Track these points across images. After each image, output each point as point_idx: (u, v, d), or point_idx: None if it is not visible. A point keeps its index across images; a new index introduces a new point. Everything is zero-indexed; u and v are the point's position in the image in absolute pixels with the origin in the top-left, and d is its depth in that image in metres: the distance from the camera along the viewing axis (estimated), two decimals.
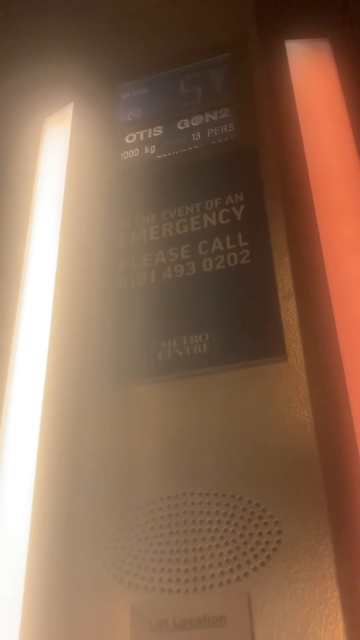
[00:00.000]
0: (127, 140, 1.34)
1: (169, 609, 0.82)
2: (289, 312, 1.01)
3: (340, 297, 1.01)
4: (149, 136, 1.33)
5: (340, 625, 0.76)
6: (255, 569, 0.82)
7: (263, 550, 0.83)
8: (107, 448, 0.97)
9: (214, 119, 1.30)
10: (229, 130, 1.27)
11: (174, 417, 0.98)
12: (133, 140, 1.34)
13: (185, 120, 1.32)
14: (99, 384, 1.03)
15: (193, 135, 1.29)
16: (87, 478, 0.95)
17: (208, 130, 1.29)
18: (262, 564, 0.82)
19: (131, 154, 1.31)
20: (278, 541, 0.83)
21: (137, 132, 1.34)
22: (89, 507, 0.93)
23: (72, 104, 1.43)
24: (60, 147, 1.38)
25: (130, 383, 1.03)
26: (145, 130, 1.34)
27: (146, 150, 1.31)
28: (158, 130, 1.33)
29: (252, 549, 0.84)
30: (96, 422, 1.00)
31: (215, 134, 1.27)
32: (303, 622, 0.77)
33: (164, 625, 0.81)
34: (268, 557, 0.82)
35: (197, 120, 1.31)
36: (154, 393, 1.01)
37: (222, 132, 1.27)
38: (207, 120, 1.30)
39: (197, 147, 1.27)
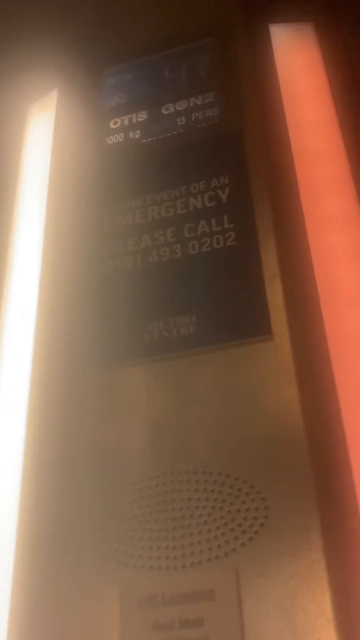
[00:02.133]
0: (111, 126, 1.34)
1: (158, 585, 0.82)
2: (274, 292, 1.01)
3: (324, 277, 1.02)
4: (134, 121, 1.33)
5: (327, 596, 0.77)
6: (243, 544, 0.83)
7: (251, 526, 0.84)
8: (95, 429, 0.98)
9: (198, 103, 1.30)
10: (214, 114, 1.27)
11: (161, 397, 0.98)
12: (118, 125, 1.33)
13: (170, 105, 1.32)
14: (86, 367, 1.04)
15: (178, 119, 1.29)
16: (75, 459, 0.96)
17: (193, 115, 1.29)
18: (250, 539, 0.83)
19: (116, 139, 1.31)
20: (265, 517, 0.84)
21: (122, 117, 1.34)
22: (77, 487, 0.93)
23: (56, 90, 1.43)
24: (44, 133, 1.38)
25: (117, 365, 1.03)
26: (130, 115, 1.34)
27: (131, 135, 1.31)
28: (143, 115, 1.33)
29: (239, 525, 0.84)
30: (83, 404, 1.00)
31: (200, 118, 1.27)
32: (290, 595, 0.78)
33: (152, 601, 0.81)
34: (256, 532, 0.83)
35: (181, 105, 1.31)
36: (141, 374, 1.01)
37: (206, 116, 1.27)
38: (191, 104, 1.30)
39: (182, 131, 1.27)
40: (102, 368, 1.03)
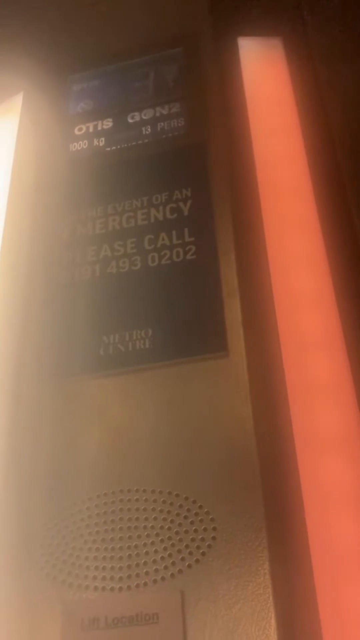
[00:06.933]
0: (76, 132, 1.32)
1: (101, 607, 0.80)
2: (232, 309, 1.00)
3: (283, 294, 1.01)
4: (99, 128, 1.31)
5: (272, 621, 0.76)
6: (189, 566, 0.82)
7: (198, 547, 0.83)
8: (46, 444, 0.96)
9: (164, 113, 1.29)
10: (179, 125, 1.26)
11: (114, 413, 0.96)
12: (82, 131, 1.31)
13: (136, 114, 1.31)
14: (39, 379, 1.01)
15: (143, 128, 1.28)
16: (24, 475, 0.93)
17: (158, 124, 1.27)
18: (197, 561, 0.82)
19: (80, 146, 1.29)
20: (213, 538, 0.83)
21: (87, 124, 1.32)
22: (25, 504, 0.91)
23: (21, 93, 1.40)
24: (8, 136, 1.35)
25: (71, 378, 1.01)
26: (95, 122, 1.32)
27: (95, 142, 1.29)
28: (108, 123, 1.31)
29: (187, 546, 0.83)
30: (36, 417, 0.98)
31: (166, 128, 1.26)
32: (235, 619, 0.77)
33: (95, 624, 0.79)
34: (203, 554, 0.82)
35: (147, 114, 1.30)
36: (95, 388, 0.99)
37: (172, 126, 1.26)
38: (157, 114, 1.29)
39: (146, 140, 1.26)
40: (54, 381, 1.00)
